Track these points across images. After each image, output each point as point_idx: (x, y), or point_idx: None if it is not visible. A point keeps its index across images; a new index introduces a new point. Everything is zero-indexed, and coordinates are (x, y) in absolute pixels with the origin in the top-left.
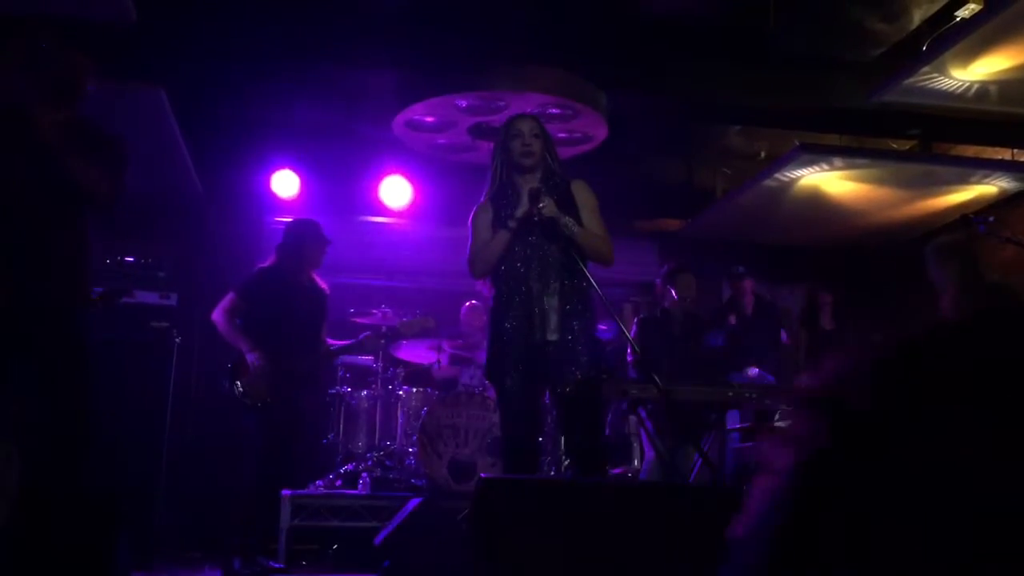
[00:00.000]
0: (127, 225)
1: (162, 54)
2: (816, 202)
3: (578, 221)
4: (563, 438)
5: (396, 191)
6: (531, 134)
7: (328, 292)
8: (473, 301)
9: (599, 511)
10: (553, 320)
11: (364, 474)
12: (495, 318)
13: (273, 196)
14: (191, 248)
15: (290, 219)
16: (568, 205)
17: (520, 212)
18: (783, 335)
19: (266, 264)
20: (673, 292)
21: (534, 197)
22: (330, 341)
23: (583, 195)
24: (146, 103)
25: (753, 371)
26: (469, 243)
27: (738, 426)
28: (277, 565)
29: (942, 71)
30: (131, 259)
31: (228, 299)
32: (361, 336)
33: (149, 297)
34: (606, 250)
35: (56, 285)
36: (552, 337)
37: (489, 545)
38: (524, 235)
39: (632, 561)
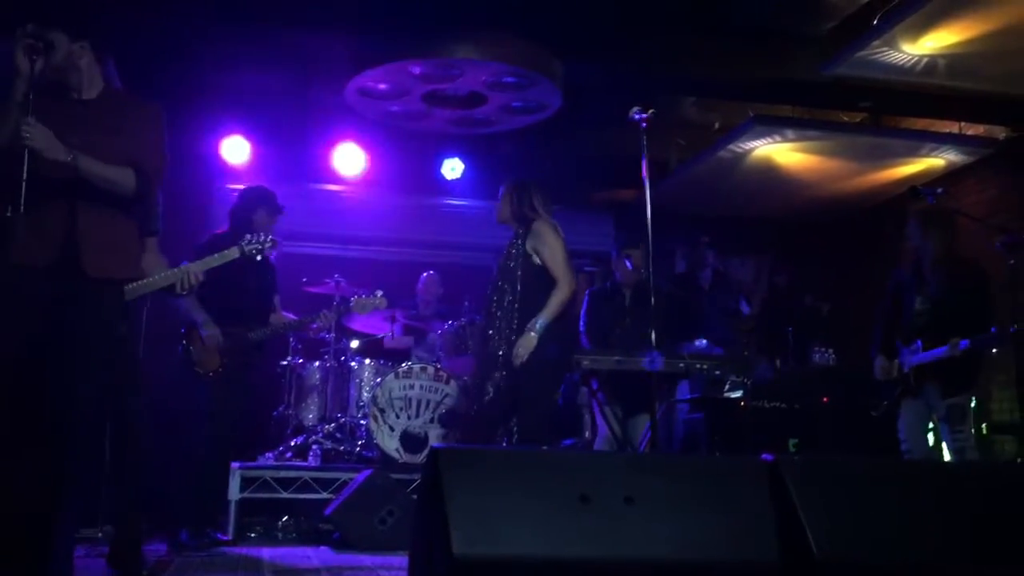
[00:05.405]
0: None
1: (107, 14)
2: (769, 173)
3: (525, 256)
4: None
5: (350, 159)
6: (497, 209)
7: (274, 263)
8: (431, 272)
9: (544, 480)
10: (492, 329)
11: (315, 446)
12: None
13: (223, 162)
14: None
15: (241, 186)
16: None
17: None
18: (743, 305)
19: (219, 232)
20: (628, 264)
21: None
22: (285, 314)
23: (540, 236)
24: None
25: (701, 343)
26: None
27: (688, 397)
28: (225, 537)
29: (892, 45)
30: None
31: None
32: (317, 314)
33: None
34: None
35: None
36: (490, 341)
37: (440, 516)
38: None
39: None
